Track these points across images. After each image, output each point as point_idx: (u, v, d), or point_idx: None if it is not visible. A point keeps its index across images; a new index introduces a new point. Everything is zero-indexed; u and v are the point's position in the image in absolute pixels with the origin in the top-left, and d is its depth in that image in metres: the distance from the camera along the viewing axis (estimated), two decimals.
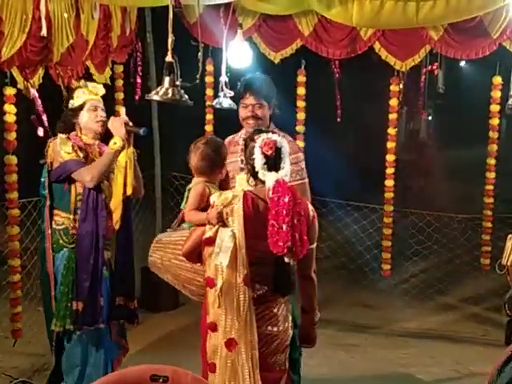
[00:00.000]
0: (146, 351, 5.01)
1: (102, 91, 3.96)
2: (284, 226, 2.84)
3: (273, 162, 2.95)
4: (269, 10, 5.07)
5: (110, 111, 4.41)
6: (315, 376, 4.61)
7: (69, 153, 3.71)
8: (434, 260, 7.16)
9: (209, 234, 3.01)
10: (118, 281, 3.97)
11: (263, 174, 2.95)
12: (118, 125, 3.74)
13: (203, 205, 3.17)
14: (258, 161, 2.95)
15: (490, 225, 5.72)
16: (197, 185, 3.31)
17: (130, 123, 3.80)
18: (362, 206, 6.95)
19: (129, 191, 3.81)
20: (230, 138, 3.98)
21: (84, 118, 3.81)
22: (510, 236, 2.78)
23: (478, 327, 5.80)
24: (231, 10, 4.95)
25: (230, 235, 2.93)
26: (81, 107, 3.81)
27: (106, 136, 3.88)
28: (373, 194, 6.96)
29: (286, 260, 2.95)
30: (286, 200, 2.86)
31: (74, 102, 3.83)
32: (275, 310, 3.09)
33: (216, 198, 3.01)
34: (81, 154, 3.76)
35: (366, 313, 6.24)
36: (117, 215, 3.82)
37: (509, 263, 2.75)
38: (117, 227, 3.85)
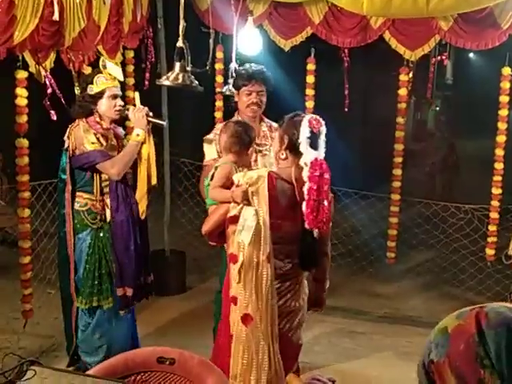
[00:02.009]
0: (153, 335, 5.07)
1: (120, 76, 4.01)
2: (325, 202, 2.96)
3: (315, 140, 3.02)
4: None
5: (122, 96, 4.46)
6: (320, 363, 4.67)
7: (93, 142, 3.78)
8: (439, 250, 7.18)
9: (233, 212, 3.06)
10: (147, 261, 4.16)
11: (305, 147, 3.00)
12: (140, 116, 3.81)
13: (228, 184, 3.24)
14: (304, 134, 3.00)
15: (496, 215, 5.73)
16: (224, 164, 3.41)
17: (151, 114, 3.86)
18: (369, 194, 6.97)
19: (153, 181, 3.92)
20: (221, 124, 4.08)
21: (103, 105, 3.87)
22: None
23: None
24: None
25: (254, 214, 2.98)
26: (100, 94, 3.86)
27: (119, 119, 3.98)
28: (380, 182, 6.99)
29: (315, 235, 3.04)
30: (327, 176, 2.98)
31: (94, 88, 3.86)
32: (297, 286, 3.20)
33: (241, 177, 3.07)
34: (104, 143, 3.83)
35: (371, 301, 6.28)
36: (143, 206, 3.94)
37: None
38: (143, 217, 3.97)
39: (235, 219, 3.05)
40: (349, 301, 6.14)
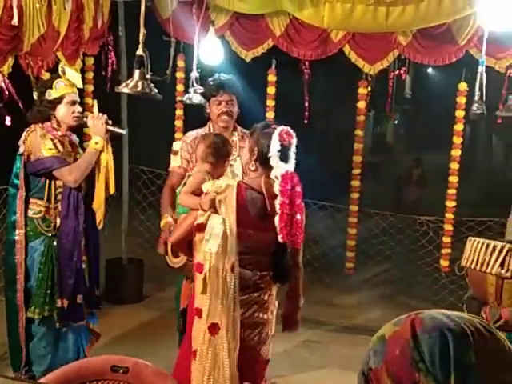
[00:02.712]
0: (109, 343, 5.00)
1: (79, 83, 3.96)
2: (298, 215, 2.96)
3: (285, 153, 3.02)
4: (241, 9, 5.12)
5: (80, 103, 4.41)
6: (276, 373, 4.66)
7: (50, 148, 3.71)
8: (396, 260, 7.28)
9: (200, 220, 3.06)
10: (93, 273, 4.06)
11: (275, 161, 3.00)
12: (99, 124, 3.77)
13: (199, 193, 3.23)
14: (274, 147, 3.00)
15: (451, 227, 5.84)
16: (198, 172, 3.44)
17: (110, 122, 3.83)
18: (327, 205, 7.03)
19: (111, 190, 3.88)
20: (192, 134, 4.10)
21: (61, 111, 3.81)
22: (469, 238, 2.85)
23: None
24: (204, 7, 4.97)
25: (221, 222, 2.98)
26: (59, 100, 3.79)
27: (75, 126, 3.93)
28: (339, 194, 7.06)
29: (288, 248, 3.05)
30: (300, 190, 2.99)
31: (52, 94, 3.79)
32: (266, 297, 3.17)
33: (209, 186, 3.07)
34: (60, 149, 3.77)
35: (328, 310, 6.32)
36: (100, 214, 3.89)
37: (467, 264, 2.82)
38: (100, 226, 3.93)
39: (202, 227, 3.05)
40: (306, 311, 6.09)
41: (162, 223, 3.84)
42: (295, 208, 2.96)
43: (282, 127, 3.06)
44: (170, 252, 3.57)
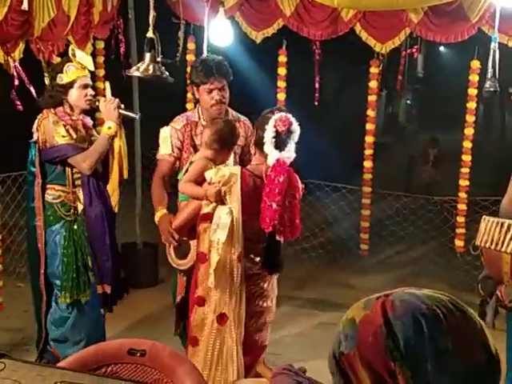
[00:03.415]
0: (126, 327, 5.04)
1: (91, 65, 3.90)
2: (274, 204, 2.91)
3: (281, 140, 2.98)
4: None
5: (92, 87, 4.40)
6: (292, 355, 4.68)
7: (63, 136, 3.68)
8: (410, 241, 7.25)
9: (207, 210, 3.05)
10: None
11: (269, 148, 2.98)
12: (111, 108, 3.71)
13: (201, 180, 3.19)
14: (269, 133, 2.98)
15: (464, 207, 5.81)
16: (200, 159, 3.33)
17: (123, 106, 3.78)
18: (340, 186, 7.02)
19: (125, 175, 3.87)
20: (181, 119, 3.86)
21: (73, 95, 3.76)
22: (484, 217, 2.83)
23: None
24: None
25: (228, 212, 2.97)
26: (71, 84, 3.74)
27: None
28: (352, 175, 7.03)
29: (277, 238, 3.03)
30: (281, 180, 2.93)
31: (64, 78, 3.73)
32: (265, 285, 3.18)
33: (213, 175, 3.04)
34: (74, 135, 3.75)
35: (343, 292, 6.31)
36: (115, 199, 3.89)
37: (482, 244, 2.80)
38: (116, 210, 3.91)
39: (208, 217, 3.05)
40: (321, 293, 6.17)
41: (156, 217, 3.67)
42: (271, 197, 2.91)
43: (281, 114, 3.00)
44: (173, 254, 3.56)
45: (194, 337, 3.15)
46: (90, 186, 3.77)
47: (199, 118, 3.80)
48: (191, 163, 3.38)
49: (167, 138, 3.81)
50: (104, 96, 3.92)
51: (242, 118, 3.88)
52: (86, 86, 3.79)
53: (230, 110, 3.88)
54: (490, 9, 4.70)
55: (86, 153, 3.74)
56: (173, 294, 4.03)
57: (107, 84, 3.89)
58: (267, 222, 2.94)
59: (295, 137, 3.03)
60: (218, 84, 3.65)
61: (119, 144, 3.79)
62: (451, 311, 1.09)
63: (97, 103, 3.84)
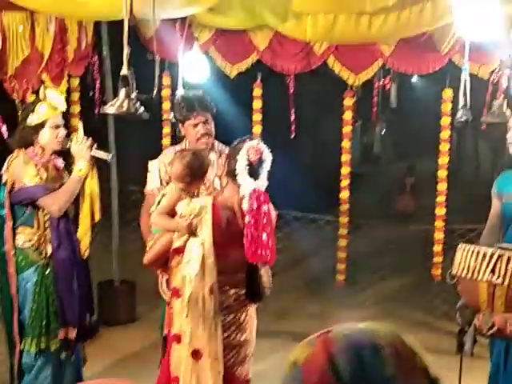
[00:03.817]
0: (102, 366, 4.96)
1: (63, 106, 3.80)
2: (264, 235, 2.90)
3: (254, 169, 2.98)
4: (224, 25, 5.13)
5: (66, 125, 4.36)
6: None
7: (33, 176, 3.59)
8: (387, 270, 7.26)
9: (178, 243, 3.03)
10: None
11: (243, 177, 2.97)
12: (84, 148, 3.65)
13: (173, 213, 3.17)
14: (241, 163, 2.97)
15: (441, 236, 5.85)
16: (172, 191, 3.31)
17: (95, 146, 3.73)
18: (317, 218, 7.03)
19: (97, 217, 3.80)
20: (169, 152, 3.87)
21: (44, 136, 3.67)
22: (460, 246, 2.85)
23: (431, 336, 5.90)
24: (187, 24, 4.99)
25: (199, 245, 2.95)
26: (42, 125, 3.66)
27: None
28: (329, 205, 7.06)
29: (260, 267, 3.01)
30: (266, 209, 2.93)
31: (35, 118, 3.65)
32: (242, 317, 3.14)
33: (184, 207, 3.03)
34: (44, 175, 3.66)
35: (322, 324, 6.23)
36: (85, 243, 3.80)
37: (459, 272, 2.81)
38: (86, 255, 3.83)
39: (180, 250, 3.02)
40: (300, 325, 6.12)
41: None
42: (260, 228, 2.89)
43: (252, 143, 3.01)
44: (165, 285, 3.51)
45: (176, 377, 3.08)
46: (60, 229, 3.66)
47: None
48: (163, 195, 3.36)
49: (155, 172, 3.81)
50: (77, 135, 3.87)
51: (227, 149, 3.89)
52: (57, 127, 3.70)
53: (215, 142, 3.89)
54: (460, 40, 4.80)
55: (55, 194, 3.63)
56: (160, 327, 3.97)
57: (80, 124, 3.84)
58: (260, 254, 2.91)
59: (268, 164, 3.03)
60: (201, 118, 3.69)
61: (91, 186, 3.73)
62: (391, 340, 1.10)
63: (69, 143, 3.76)
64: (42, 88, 3.80)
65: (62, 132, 3.74)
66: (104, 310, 5.94)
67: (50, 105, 3.68)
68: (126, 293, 6.18)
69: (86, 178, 3.69)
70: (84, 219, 3.76)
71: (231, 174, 3.04)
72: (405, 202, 10.72)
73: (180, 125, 3.81)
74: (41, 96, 3.68)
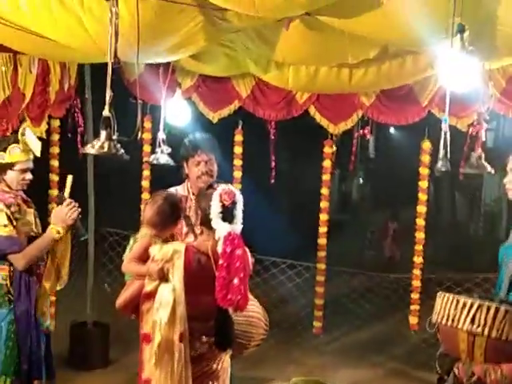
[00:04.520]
0: None
1: (37, 151, 3.75)
2: (236, 280, 2.85)
3: (228, 213, 2.96)
4: (207, 71, 5.18)
5: (46, 164, 4.33)
6: None
7: (5, 225, 3.53)
8: (365, 318, 7.23)
9: (149, 288, 2.98)
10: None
11: (217, 222, 2.95)
12: (70, 215, 3.62)
13: (145, 258, 3.11)
14: (215, 208, 2.95)
15: (418, 284, 5.85)
16: (144, 237, 3.27)
17: (79, 223, 3.70)
18: (296, 263, 7.01)
19: (61, 283, 3.78)
20: (171, 190, 3.91)
21: (11, 176, 3.64)
22: (439, 293, 2.85)
23: None
24: (170, 70, 5.03)
25: (170, 290, 2.91)
26: (10, 166, 3.62)
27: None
28: (307, 252, 7.05)
29: (231, 313, 2.96)
30: (240, 253, 2.88)
31: (5, 157, 3.60)
32: (215, 366, 3.06)
33: (156, 252, 2.99)
34: (17, 216, 3.59)
35: (299, 371, 6.20)
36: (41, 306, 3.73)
37: (438, 320, 2.81)
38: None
39: (150, 296, 2.97)
40: (276, 372, 6.05)
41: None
42: (233, 272, 2.85)
43: (223, 187, 3.01)
44: None
45: None
46: (21, 283, 3.59)
47: (188, 192, 3.94)
48: (135, 240, 3.32)
49: None
50: (61, 190, 3.81)
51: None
52: (25, 171, 3.67)
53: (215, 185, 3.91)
54: (439, 92, 4.90)
55: (25, 251, 3.58)
56: None
57: (69, 177, 3.74)
58: (230, 299, 2.86)
59: (241, 207, 3.02)
60: (205, 157, 3.88)
61: (62, 248, 3.70)
62: None
63: (63, 198, 3.69)
64: (22, 126, 3.77)
65: (28, 176, 3.70)
66: (76, 353, 5.84)
67: (24, 149, 3.62)
68: (99, 335, 6.06)
69: (58, 241, 3.65)
70: (47, 281, 3.71)
71: (205, 221, 3.01)
72: (389, 247, 10.73)
73: (184, 163, 3.96)
74: (19, 134, 3.63)
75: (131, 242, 3.42)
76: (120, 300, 3.14)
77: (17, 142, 3.65)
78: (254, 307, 3.43)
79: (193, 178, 3.92)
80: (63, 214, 3.64)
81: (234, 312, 3.02)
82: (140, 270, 3.08)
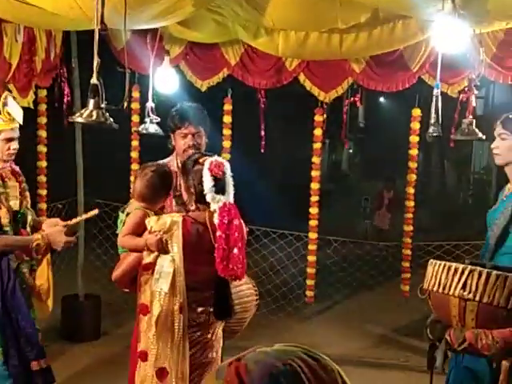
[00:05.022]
0: (67, 383, 4.85)
1: (20, 118, 3.64)
2: (235, 250, 2.86)
3: (221, 185, 2.94)
4: (195, 38, 5.10)
5: (34, 135, 4.27)
6: None
7: None
8: (356, 287, 7.27)
9: (148, 259, 2.97)
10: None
11: (212, 196, 2.92)
12: (61, 238, 3.52)
13: (140, 231, 3.09)
14: (207, 183, 2.93)
15: (409, 252, 5.87)
16: (136, 210, 3.23)
17: (70, 222, 3.61)
18: (287, 233, 7.02)
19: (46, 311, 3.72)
20: (160, 163, 3.74)
21: None
22: (431, 261, 2.85)
23: (400, 353, 5.91)
24: (158, 37, 4.95)
25: (170, 261, 2.90)
26: None
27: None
28: (298, 221, 7.06)
29: (230, 282, 2.97)
30: (237, 223, 2.89)
31: None
32: (209, 336, 3.07)
33: (153, 223, 2.97)
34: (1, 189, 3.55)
35: (290, 340, 6.19)
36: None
37: (430, 287, 2.81)
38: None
39: (149, 267, 2.96)
40: (268, 341, 6.07)
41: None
42: (232, 242, 2.86)
43: (211, 160, 2.96)
44: None
45: None
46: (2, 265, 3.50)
47: (178, 168, 3.68)
48: (128, 214, 3.27)
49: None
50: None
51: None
52: (10, 140, 3.56)
53: (216, 156, 3.81)
54: (430, 58, 4.87)
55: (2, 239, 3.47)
56: None
57: (94, 212, 3.67)
58: (232, 269, 2.86)
59: (230, 177, 3.00)
60: (192, 129, 3.68)
61: (42, 276, 3.63)
62: (306, 362, 1.06)
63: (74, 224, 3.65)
64: (3, 96, 3.67)
65: (14, 146, 3.59)
66: (68, 326, 5.85)
67: (7, 116, 3.54)
68: (91, 307, 6.06)
69: (34, 270, 3.59)
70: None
71: (200, 197, 2.98)
72: (382, 216, 10.63)
73: (172, 135, 3.79)
74: (1, 105, 3.52)
75: (122, 216, 3.36)
76: (117, 272, 3.13)
77: None
78: (249, 291, 3.44)
79: (179, 151, 3.75)
80: (58, 238, 3.55)
81: (233, 281, 3.02)
82: (137, 243, 3.05)
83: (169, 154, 3.92)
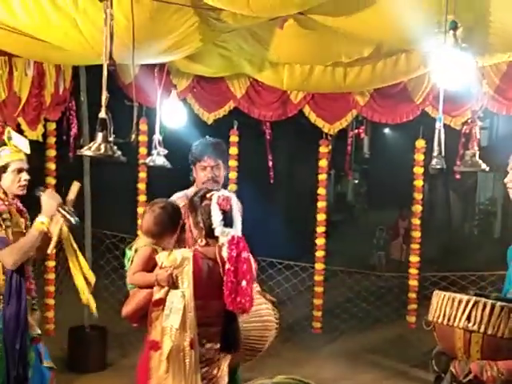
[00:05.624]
0: None
1: (27, 149, 3.69)
2: (244, 282, 2.87)
3: (229, 218, 2.97)
4: (202, 72, 5.18)
5: (42, 167, 4.30)
6: None
7: None
8: (363, 318, 7.23)
9: (158, 295, 2.97)
10: None
11: (222, 230, 2.94)
12: (52, 204, 3.52)
13: (149, 268, 3.10)
14: (216, 217, 2.95)
15: (415, 283, 5.87)
16: (144, 247, 3.25)
17: (67, 208, 3.56)
18: (293, 264, 7.01)
19: (91, 280, 3.82)
20: (180, 197, 3.86)
21: (6, 180, 3.57)
22: (435, 292, 2.85)
23: None
24: (166, 71, 5.04)
25: (181, 296, 2.91)
26: (4, 168, 3.55)
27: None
28: (305, 252, 7.06)
29: (238, 316, 2.97)
30: (246, 256, 2.90)
31: None
32: (215, 372, 3.06)
33: (164, 259, 2.97)
34: (8, 223, 3.49)
35: (297, 371, 6.17)
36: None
37: (434, 319, 2.81)
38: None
39: (160, 303, 2.96)
40: (275, 371, 6.04)
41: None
42: (240, 275, 2.87)
43: (218, 195, 3.00)
44: None
45: None
46: (12, 284, 3.49)
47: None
48: (136, 251, 3.29)
49: None
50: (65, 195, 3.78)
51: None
52: (20, 171, 3.60)
53: (222, 190, 3.87)
54: (433, 91, 4.92)
55: (13, 247, 3.48)
56: None
57: (76, 184, 3.65)
58: (239, 302, 2.87)
59: (238, 210, 3.03)
60: (211, 162, 3.81)
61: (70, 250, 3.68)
62: None
63: (40, 193, 3.60)
64: (6, 131, 3.70)
65: (25, 176, 3.62)
66: (74, 357, 5.83)
67: (14, 148, 3.58)
68: (97, 338, 6.05)
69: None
70: (77, 276, 3.77)
71: (209, 231, 3.01)
72: (398, 247, 10.51)
73: (193, 168, 3.92)
74: (6, 139, 3.57)
75: (129, 253, 3.38)
76: (128, 309, 3.13)
77: (4, 145, 3.60)
78: (268, 311, 3.47)
79: (199, 183, 3.86)
80: (45, 205, 3.55)
81: (241, 314, 3.03)
82: (148, 280, 3.06)
83: (190, 185, 4.00)
